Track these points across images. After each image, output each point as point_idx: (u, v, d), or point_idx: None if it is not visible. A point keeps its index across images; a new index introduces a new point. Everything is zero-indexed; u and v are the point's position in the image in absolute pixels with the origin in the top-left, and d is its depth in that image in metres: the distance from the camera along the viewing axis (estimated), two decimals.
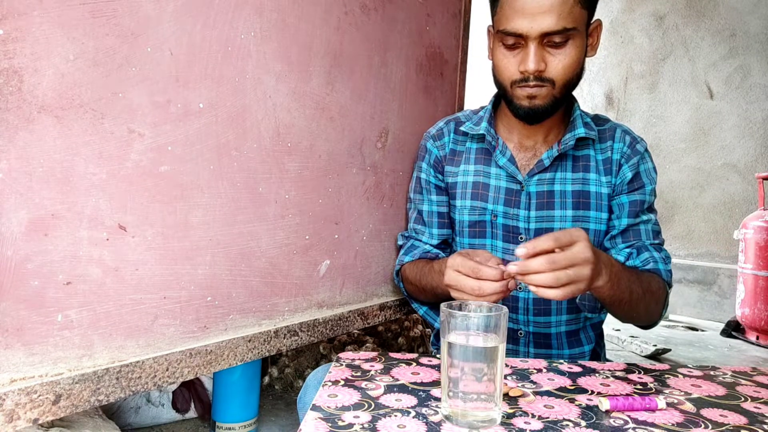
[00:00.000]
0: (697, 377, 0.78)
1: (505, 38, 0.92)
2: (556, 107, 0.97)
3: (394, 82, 1.19)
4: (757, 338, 2.94)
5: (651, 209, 1.04)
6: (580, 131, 1.00)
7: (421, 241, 1.12)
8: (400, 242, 1.19)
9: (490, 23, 1.01)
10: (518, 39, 0.90)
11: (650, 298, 0.92)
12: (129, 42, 0.70)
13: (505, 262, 0.78)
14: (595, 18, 0.96)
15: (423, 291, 1.04)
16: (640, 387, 0.74)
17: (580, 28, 0.91)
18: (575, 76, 0.94)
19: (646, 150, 1.04)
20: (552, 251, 0.71)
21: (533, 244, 0.71)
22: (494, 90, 1.11)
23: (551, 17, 0.87)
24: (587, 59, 0.98)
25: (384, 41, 1.15)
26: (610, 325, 2.93)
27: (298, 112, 0.96)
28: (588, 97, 4.19)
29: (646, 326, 1.02)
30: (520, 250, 0.71)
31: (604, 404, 0.63)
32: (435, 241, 1.10)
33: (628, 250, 1.00)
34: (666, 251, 1.02)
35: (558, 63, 0.91)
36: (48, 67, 0.63)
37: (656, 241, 1.02)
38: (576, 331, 1.05)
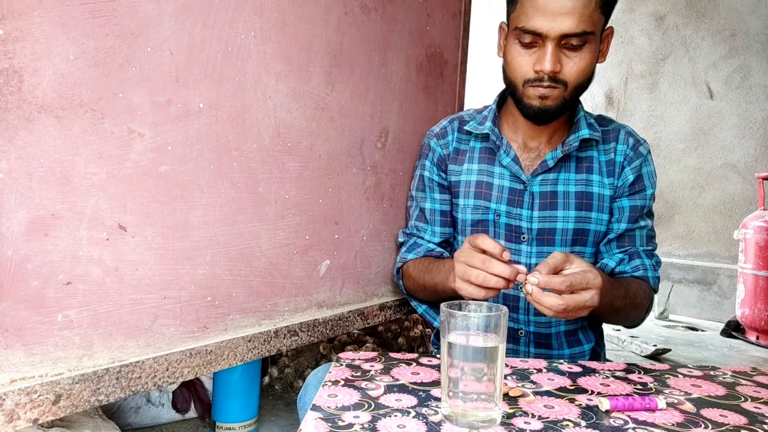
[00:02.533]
0: (697, 377, 0.78)
1: (522, 36, 0.91)
2: (565, 109, 0.97)
3: (394, 82, 1.19)
4: (757, 338, 2.94)
5: (649, 214, 1.06)
6: (585, 132, 1.00)
7: (423, 238, 1.12)
8: (401, 239, 1.18)
9: (504, 20, 1.01)
10: (536, 38, 0.90)
11: (632, 309, 0.97)
12: (129, 42, 0.70)
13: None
14: (608, 25, 0.96)
15: (424, 288, 1.04)
16: (640, 387, 0.74)
17: (597, 33, 0.91)
18: (587, 80, 0.95)
19: (649, 152, 1.05)
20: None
21: (547, 280, 0.73)
22: (496, 90, 1.11)
23: (572, 19, 0.87)
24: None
25: (384, 41, 1.15)
26: (611, 325, 2.93)
27: (298, 112, 0.96)
28: (588, 97, 4.19)
29: (627, 327, 1.07)
30: (533, 279, 0.74)
31: (604, 404, 0.63)
32: (437, 239, 1.10)
33: (621, 255, 1.03)
34: (657, 256, 1.06)
35: (573, 66, 0.91)
36: (48, 67, 0.63)
37: (649, 247, 1.05)
38: (574, 331, 1.05)
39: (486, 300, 0.88)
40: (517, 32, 0.92)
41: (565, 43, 0.89)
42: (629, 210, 1.02)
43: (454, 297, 0.98)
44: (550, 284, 0.73)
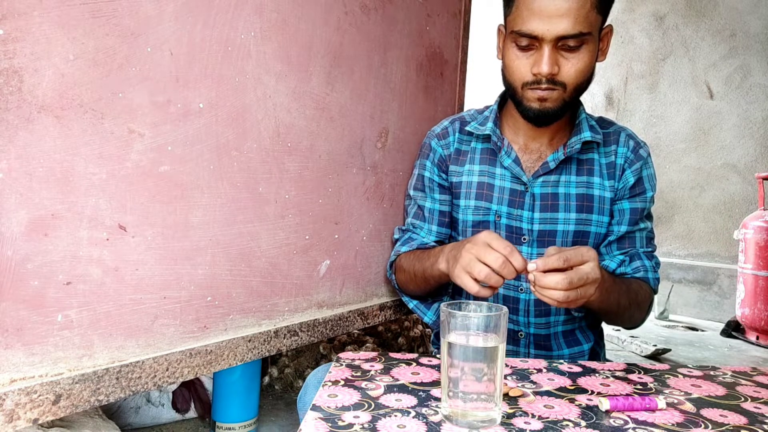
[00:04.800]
0: (697, 377, 0.78)
1: (518, 39, 0.91)
2: (565, 110, 0.97)
3: (394, 82, 1.19)
4: (757, 338, 2.94)
5: (649, 216, 1.07)
6: (586, 135, 1.00)
7: (418, 235, 1.12)
8: (396, 236, 1.18)
9: (502, 23, 1.00)
10: (532, 41, 0.90)
11: (635, 308, 0.98)
12: (129, 42, 0.70)
13: None
14: (606, 23, 0.96)
15: (414, 277, 1.04)
16: (640, 387, 0.74)
17: (594, 33, 0.91)
18: (586, 81, 0.94)
19: (649, 155, 1.05)
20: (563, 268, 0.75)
21: (545, 261, 0.74)
22: (496, 90, 1.11)
23: (568, 21, 0.86)
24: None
25: (384, 41, 1.15)
26: (611, 325, 2.93)
27: (298, 112, 0.96)
28: (588, 97, 4.19)
29: (628, 328, 1.07)
30: (531, 266, 0.74)
31: (604, 404, 0.63)
32: (433, 237, 1.10)
33: (621, 257, 1.03)
34: (657, 258, 1.06)
35: (571, 67, 0.91)
36: (48, 67, 0.63)
37: (649, 249, 1.06)
38: (572, 331, 1.06)
39: (485, 299, 0.89)
40: (513, 35, 0.92)
41: (562, 44, 0.89)
42: (629, 212, 1.02)
43: (441, 282, 0.98)
44: (548, 263, 0.74)
